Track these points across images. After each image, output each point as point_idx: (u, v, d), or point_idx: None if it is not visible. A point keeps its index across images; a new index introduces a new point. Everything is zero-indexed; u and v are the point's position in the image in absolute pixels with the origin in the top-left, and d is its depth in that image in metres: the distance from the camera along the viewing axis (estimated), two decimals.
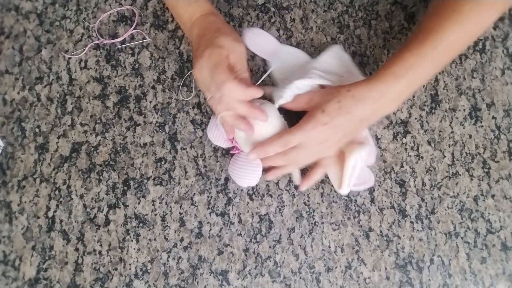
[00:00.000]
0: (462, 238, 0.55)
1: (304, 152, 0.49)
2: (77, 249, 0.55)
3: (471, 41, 0.51)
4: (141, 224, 0.55)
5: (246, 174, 0.52)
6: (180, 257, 0.54)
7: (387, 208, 0.55)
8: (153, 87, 0.59)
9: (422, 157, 0.57)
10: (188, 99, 0.59)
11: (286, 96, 0.51)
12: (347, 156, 0.50)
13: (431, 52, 0.47)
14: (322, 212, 0.55)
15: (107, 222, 0.56)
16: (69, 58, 0.61)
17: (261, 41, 0.59)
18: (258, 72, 0.59)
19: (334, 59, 0.57)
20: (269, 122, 0.50)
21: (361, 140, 0.52)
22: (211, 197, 0.56)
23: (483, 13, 0.48)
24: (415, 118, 0.58)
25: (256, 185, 0.56)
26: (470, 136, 0.58)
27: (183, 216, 0.55)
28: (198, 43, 0.51)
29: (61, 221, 0.56)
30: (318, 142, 0.48)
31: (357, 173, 0.51)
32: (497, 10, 0.48)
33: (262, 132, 0.50)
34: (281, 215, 0.55)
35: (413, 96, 0.59)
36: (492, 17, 0.48)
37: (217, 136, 0.54)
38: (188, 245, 0.55)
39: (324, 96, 0.49)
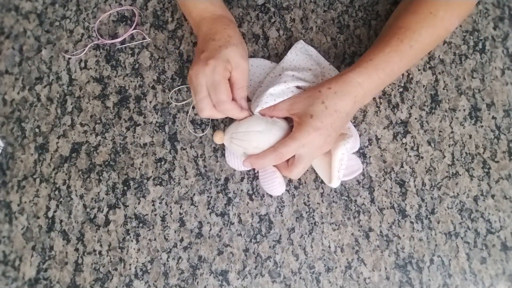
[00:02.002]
0: (462, 238, 0.55)
1: (306, 161, 0.48)
2: (77, 249, 0.55)
3: (437, 44, 0.55)
4: (141, 224, 0.55)
5: (270, 185, 0.52)
6: (180, 257, 0.54)
7: (387, 208, 0.55)
8: (153, 87, 0.59)
9: (422, 157, 0.57)
10: (182, 103, 0.59)
11: (262, 104, 0.50)
12: (333, 150, 0.50)
13: (408, 50, 0.49)
14: (322, 212, 0.55)
15: (107, 222, 0.56)
16: (69, 58, 0.61)
17: None
18: None
19: (300, 54, 0.57)
20: (264, 136, 0.49)
21: (344, 131, 0.53)
22: (211, 197, 0.56)
23: (452, 18, 0.51)
24: (415, 118, 0.58)
25: (256, 185, 0.56)
26: (470, 136, 0.58)
27: (183, 216, 0.56)
28: (204, 44, 0.50)
29: (61, 221, 0.56)
30: (316, 148, 0.48)
31: (345, 165, 0.51)
32: (458, 16, 0.52)
33: (259, 145, 0.49)
34: (281, 215, 0.55)
35: (413, 96, 0.59)
36: (456, 24, 0.52)
37: (238, 164, 0.54)
38: (188, 245, 0.55)
39: (306, 100, 0.48)
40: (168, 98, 0.59)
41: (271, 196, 0.56)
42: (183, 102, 0.58)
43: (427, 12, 0.50)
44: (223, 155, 0.57)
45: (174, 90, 0.59)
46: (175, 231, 0.55)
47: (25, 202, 0.56)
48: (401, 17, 0.52)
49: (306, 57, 0.57)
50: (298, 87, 0.52)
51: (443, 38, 0.53)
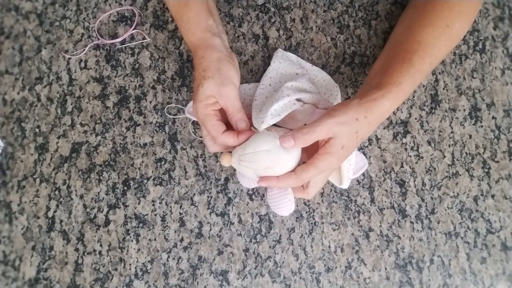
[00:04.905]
0: (462, 238, 0.55)
1: (322, 181, 0.48)
2: (77, 249, 0.55)
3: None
4: (141, 224, 0.55)
5: (280, 202, 0.50)
6: (180, 257, 0.54)
7: (387, 208, 0.55)
8: (153, 87, 0.59)
9: (422, 157, 0.57)
10: (177, 117, 0.59)
11: (268, 120, 0.48)
12: None
13: (428, 67, 0.49)
14: (322, 212, 0.55)
15: (107, 222, 0.56)
16: (69, 58, 0.61)
17: None
18: (258, 72, 0.59)
19: (283, 61, 0.57)
20: (273, 155, 0.46)
21: None
22: (211, 197, 0.56)
23: (465, 27, 0.51)
24: (415, 118, 0.58)
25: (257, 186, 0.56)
26: (470, 136, 0.58)
27: (183, 216, 0.56)
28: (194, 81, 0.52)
29: (61, 221, 0.56)
30: (332, 169, 0.47)
31: (353, 165, 0.51)
32: (469, 24, 0.52)
33: (269, 164, 0.47)
34: (281, 215, 0.55)
35: (413, 96, 0.59)
36: (466, 31, 0.53)
37: (246, 182, 0.53)
38: (188, 245, 0.55)
39: (343, 127, 0.44)
40: (164, 110, 0.59)
41: None
42: (178, 117, 0.58)
43: (444, 26, 0.49)
44: None
45: (167, 106, 0.59)
46: (175, 231, 0.55)
47: (25, 202, 0.56)
48: (418, 31, 0.50)
49: (289, 63, 0.57)
50: (298, 100, 0.51)
51: (453, 48, 0.53)
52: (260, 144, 0.46)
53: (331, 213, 0.55)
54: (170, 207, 0.56)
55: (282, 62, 0.57)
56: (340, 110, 0.45)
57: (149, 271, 0.54)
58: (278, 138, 0.46)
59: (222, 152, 0.51)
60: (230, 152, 0.50)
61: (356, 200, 0.56)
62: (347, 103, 0.46)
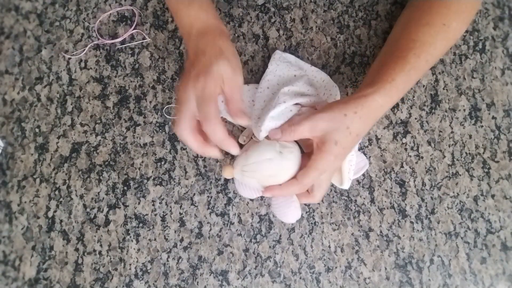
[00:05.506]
0: (462, 238, 0.55)
1: (326, 183, 0.48)
2: (77, 249, 0.55)
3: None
4: (141, 224, 0.55)
5: (286, 210, 0.50)
6: (180, 257, 0.54)
7: (387, 208, 0.56)
8: (153, 87, 0.59)
9: (422, 157, 0.57)
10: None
11: (266, 128, 0.48)
12: None
13: (424, 65, 0.49)
14: (322, 212, 0.55)
15: (107, 222, 0.56)
16: (69, 58, 0.61)
17: None
18: (258, 72, 0.59)
19: (280, 64, 0.57)
20: (276, 163, 0.46)
21: None
22: (211, 197, 0.56)
23: (462, 27, 0.51)
24: (415, 118, 0.58)
25: None
26: (470, 136, 0.58)
27: (183, 216, 0.56)
28: (195, 59, 0.47)
29: (61, 221, 0.56)
30: (333, 169, 0.47)
31: (354, 166, 0.51)
32: (466, 24, 0.52)
33: (273, 173, 0.47)
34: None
35: (413, 96, 0.59)
36: (463, 31, 0.53)
37: (248, 193, 0.51)
38: (188, 245, 0.55)
39: (330, 123, 0.44)
40: (163, 113, 0.59)
41: None
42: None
43: (440, 24, 0.49)
44: (223, 155, 0.57)
45: (166, 107, 0.59)
46: (175, 231, 0.55)
47: (25, 202, 0.56)
48: (415, 30, 0.50)
49: (287, 65, 0.57)
50: (296, 104, 0.51)
51: (450, 47, 0.53)
52: (262, 153, 0.47)
53: (331, 213, 0.55)
54: (170, 207, 0.56)
55: (280, 64, 0.57)
56: (327, 107, 0.46)
57: (149, 271, 0.54)
58: (280, 146, 0.47)
59: (223, 165, 0.52)
60: (231, 165, 0.49)
61: (356, 200, 0.56)
62: (336, 101, 0.47)
